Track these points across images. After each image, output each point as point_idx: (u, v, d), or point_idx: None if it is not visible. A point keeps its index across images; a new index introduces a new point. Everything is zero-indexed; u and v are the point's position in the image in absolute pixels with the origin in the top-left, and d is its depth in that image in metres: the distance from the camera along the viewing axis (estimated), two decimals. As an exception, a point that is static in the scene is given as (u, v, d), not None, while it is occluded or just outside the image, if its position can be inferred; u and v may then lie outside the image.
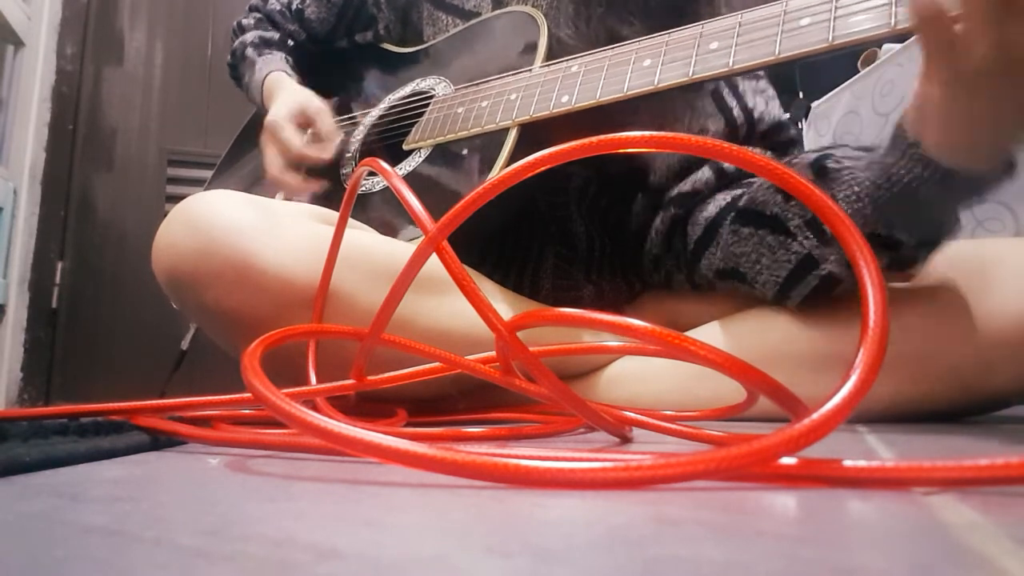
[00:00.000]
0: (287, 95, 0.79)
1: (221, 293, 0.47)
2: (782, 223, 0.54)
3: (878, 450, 0.31)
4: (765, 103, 0.69)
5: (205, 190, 0.80)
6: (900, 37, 0.45)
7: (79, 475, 0.24)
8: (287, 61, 0.87)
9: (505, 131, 0.62)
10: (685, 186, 0.67)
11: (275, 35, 0.89)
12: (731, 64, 0.50)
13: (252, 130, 0.95)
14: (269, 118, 0.77)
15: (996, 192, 0.43)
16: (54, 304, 1.54)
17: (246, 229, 0.47)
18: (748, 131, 0.68)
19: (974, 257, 0.53)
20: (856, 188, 0.48)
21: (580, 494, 0.19)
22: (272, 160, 0.77)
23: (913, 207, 0.45)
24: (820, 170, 0.52)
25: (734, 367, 0.23)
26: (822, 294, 0.54)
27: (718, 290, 0.64)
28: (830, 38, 0.46)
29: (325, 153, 0.76)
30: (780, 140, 0.69)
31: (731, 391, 0.38)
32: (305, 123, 0.77)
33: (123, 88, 1.69)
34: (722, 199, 0.64)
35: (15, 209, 1.46)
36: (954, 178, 0.42)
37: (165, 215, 0.51)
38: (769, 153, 0.65)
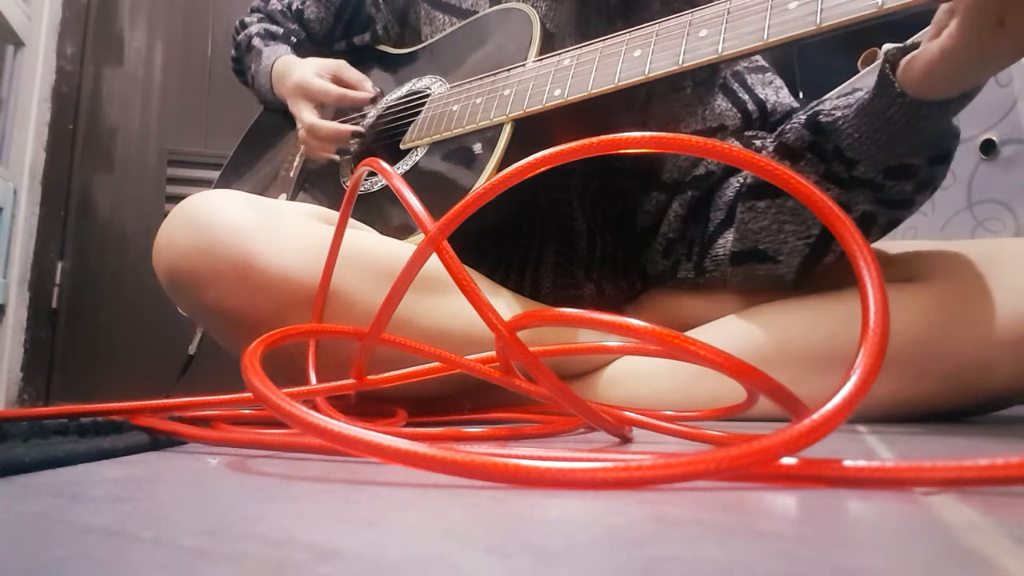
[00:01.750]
0: (303, 64, 0.82)
1: (221, 292, 0.47)
2: None
3: (878, 450, 0.31)
4: (775, 93, 0.70)
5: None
6: (890, 22, 0.45)
7: (79, 475, 0.24)
8: (292, 54, 0.87)
9: (500, 126, 0.62)
10: (699, 170, 0.68)
11: (279, 30, 0.91)
12: (720, 51, 0.50)
13: (258, 134, 0.95)
14: (295, 80, 0.80)
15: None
16: (54, 304, 1.54)
17: (247, 228, 0.47)
18: (762, 122, 0.69)
19: (974, 257, 0.53)
20: (855, 135, 0.51)
21: (580, 494, 0.19)
22: (307, 115, 0.79)
23: (915, 135, 0.49)
24: (815, 126, 0.54)
25: (734, 367, 0.23)
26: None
27: (728, 278, 0.64)
28: (818, 20, 0.46)
29: (363, 92, 0.79)
30: None
31: (731, 391, 0.38)
32: (331, 78, 0.80)
33: (123, 88, 1.69)
34: (736, 182, 0.64)
35: (15, 209, 1.46)
36: (946, 107, 0.46)
37: (165, 215, 0.51)
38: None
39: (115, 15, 1.72)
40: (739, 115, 0.68)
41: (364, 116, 0.80)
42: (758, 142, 0.66)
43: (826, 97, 0.57)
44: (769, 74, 0.71)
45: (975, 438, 0.38)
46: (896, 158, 0.50)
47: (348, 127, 0.77)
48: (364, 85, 0.80)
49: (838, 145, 0.52)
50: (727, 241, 0.62)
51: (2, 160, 1.48)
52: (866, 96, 0.50)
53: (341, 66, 0.82)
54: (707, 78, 0.69)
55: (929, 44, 0.43)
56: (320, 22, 0.90)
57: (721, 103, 0.68)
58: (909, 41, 0.47)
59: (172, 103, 1.71)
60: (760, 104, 0.69)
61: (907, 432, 0.41)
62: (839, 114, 0.52)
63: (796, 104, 0.70)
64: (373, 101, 0.80)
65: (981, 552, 0.13)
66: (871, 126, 0.49)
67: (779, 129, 0.60)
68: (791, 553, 0.13)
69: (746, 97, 0.69)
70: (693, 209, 0.68)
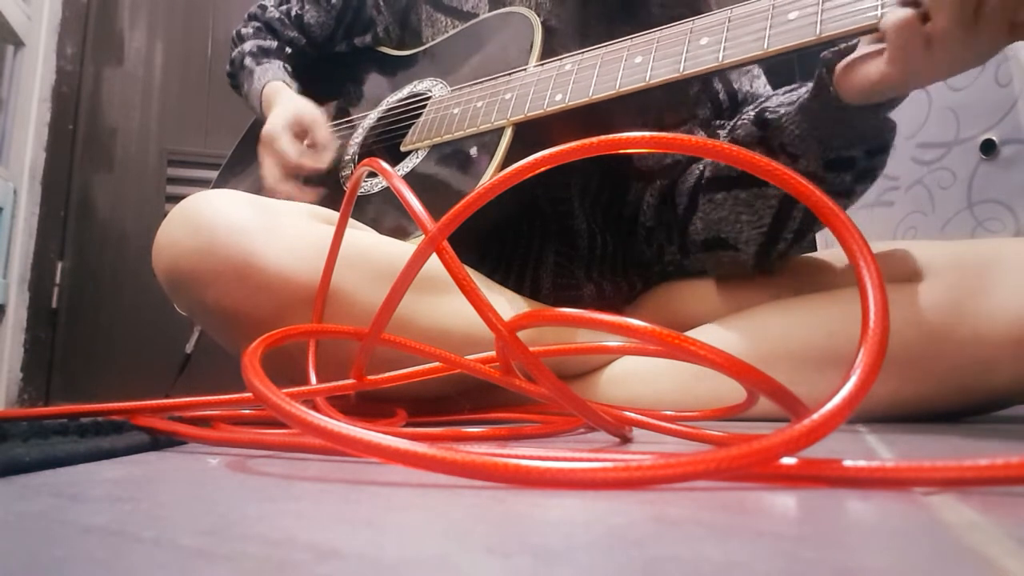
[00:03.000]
0: (283, 105, 0.78)
1: (221, 292, 0.47)
2: (750, 177, 0.58)
3: (878, 450, 0.31)
4: (750, 83, 0.74)
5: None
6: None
7: (79, 475, 0.24)
8: (285, 69, 0.86)
9: (501, 130, 0.62)
10: (667, 159, 0.71)
11: (273, 43, 0.89)
12: (721, 59, 0.51)
13: (256, 131, 0.95)
14: (265, 129, 0.76)
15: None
16: (54, 304, 1.54)
17: (247, 228, 0.47)
18: (732, 111, 0.72)
19: (974, 257, 0.53)
20: (796, 131, 0.54)
21: (580, 494, 0.19)
22: (269, 171, 0.76)
23: (850, 132, 0.52)
24: (762, 123, 0.57)
25: (734, 367, 0.23)
26: (809, 230, 0.60)
27: (707, 266, 0.67)
28: (818, 31, 0.47)
29: (321, 162, 0.76)
30: None
31: (731, 391, 0.38)
32: (301, 132, 0.76)
33: (123, 88, 1.69)
34: (696, 169, 0.67)
35: (15, 209, 1.46)
36: (878, 109, 0.50)
37: (165, 215, 0.51)
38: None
39: (115, 15, 1.72)
40: (709, 104, 0.72)
41: (364, 117, 0.80)
42: (722, 132, 0.69)
43: (773, 93, 0.61)
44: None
45: (975, 438, 0.38)
46: (834, 151, 0.53)
47: (306, 195, 0.74)
48: (322, 154, 0.76)
49: (783, 141, 0.55)
50: (696, 228, 0.66)
51: (2, 160, 1.48)
52: (805, 95, 0.53)
53: (314, 122, 0.76)
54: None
55: (867, 65, 0.46)
56: (321, 26, 0.90)
57: (695, 91, 0.72)
58: (844, 45, 0.49)
59: (172, 103, 1.71)
60: (732, 94, 0.72)
61: (907, 432, 0.41)
62: (783, 111, 0.55)
63: (770, 91, 0.73)
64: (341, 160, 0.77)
65: (981, 552, 0.13)
66: (811, 123, 0.53)
67: (731, 124, 0.63)
68: (791, 553, 0.13)
69: (719, 87, 0.72)
70: (663, 197, 0.72)
